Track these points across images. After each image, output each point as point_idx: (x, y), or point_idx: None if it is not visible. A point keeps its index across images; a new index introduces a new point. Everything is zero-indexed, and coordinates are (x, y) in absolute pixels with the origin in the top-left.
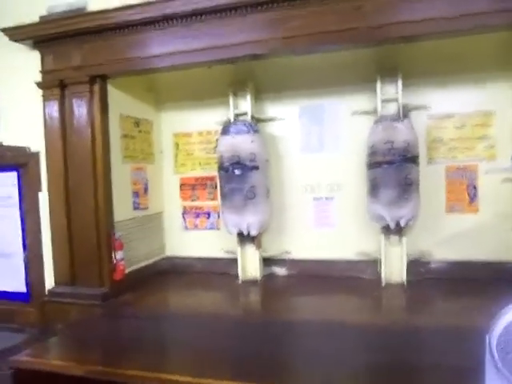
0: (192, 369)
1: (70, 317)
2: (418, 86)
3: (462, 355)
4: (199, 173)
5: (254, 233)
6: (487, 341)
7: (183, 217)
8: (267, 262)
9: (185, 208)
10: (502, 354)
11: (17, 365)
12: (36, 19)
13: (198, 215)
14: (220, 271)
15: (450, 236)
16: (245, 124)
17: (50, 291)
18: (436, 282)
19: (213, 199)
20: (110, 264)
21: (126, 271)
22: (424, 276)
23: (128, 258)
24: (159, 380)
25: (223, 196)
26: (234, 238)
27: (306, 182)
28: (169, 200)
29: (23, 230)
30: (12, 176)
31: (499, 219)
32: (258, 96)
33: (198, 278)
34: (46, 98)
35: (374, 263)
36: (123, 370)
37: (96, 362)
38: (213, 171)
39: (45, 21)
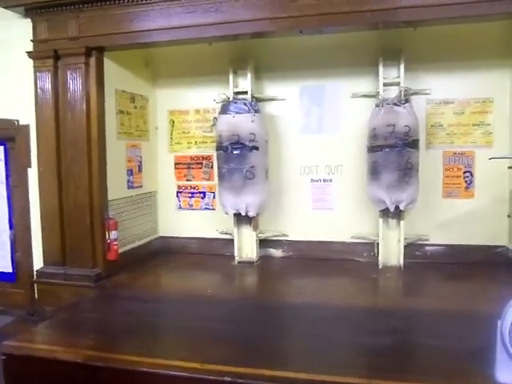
0: (186, 354)
1: (60, 298)
2: (419, 70)
3: (465, 339)
4: (195, 152)
5: (252, 214)
6: (499, 327)
7: (177, 196)
8: (263, 243)
9: (179, 187)
10: None
11: (8, 350)
12: None
13: (192, 195)
14: (215, 252)
15: (447, 220)
16: (245, 103)
17: (38, 272)
18: (432, 265)
19: (208, 179)
20: (104, 244)
21: (120, 251)
22: (420, 259)
23: (121, 238)
24: (153, 365)
25: (221, 176)
26: (230, 219)
27: (305, 164)
28: (163, 179)
29: (10, 207)
30: None
31: (494, 205)
32: (258, 75)
33: (193, 258)
34: (37, 69)
35: (370, 246)
36: (117, 356)
37: (90, 347)
38: (209, 150)
39: None
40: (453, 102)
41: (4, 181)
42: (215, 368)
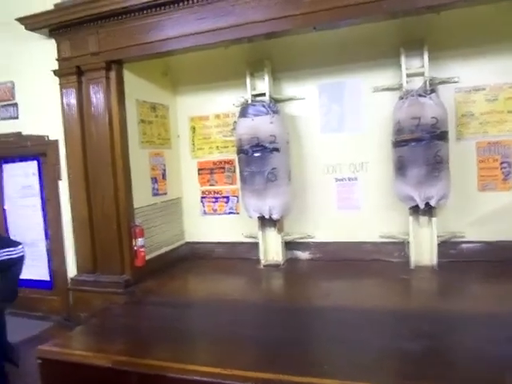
0: (215, 359)
1: (92, 305)
2: (445, 58)
3: (506, 344)
4: (217, 156)
5: (276, 216)
6: None
7: (202, 202)
8: (289, 245)
9: (203, 193)
10: None
11: (44, 355)
12: (51, 7)
13: (216, 200)
14: (241, 256)
15: (483, 215)
16: (263, 105)
17: (72, 279)
18: (469, 264)
19: (231, 183)
20: (131, 251)
21: (147, 258)
22: (456, 258)
23: (148, 245)
24: (184, 371)
25: (243, 180)
26: (255, 222)
27: (328, 163)
28: (187, 185)
29: (45, 218)
30: (32, 165)
31: None
32: (276, 75)
33: (219, 263)
34: (63, 86)
35: (401, 245)
36: (148, 361)
37: (121, 352)
38: (231, 154)
39: (59, 8)
40: (484, 89)
41: (38, 194)
42: (241, 374)
